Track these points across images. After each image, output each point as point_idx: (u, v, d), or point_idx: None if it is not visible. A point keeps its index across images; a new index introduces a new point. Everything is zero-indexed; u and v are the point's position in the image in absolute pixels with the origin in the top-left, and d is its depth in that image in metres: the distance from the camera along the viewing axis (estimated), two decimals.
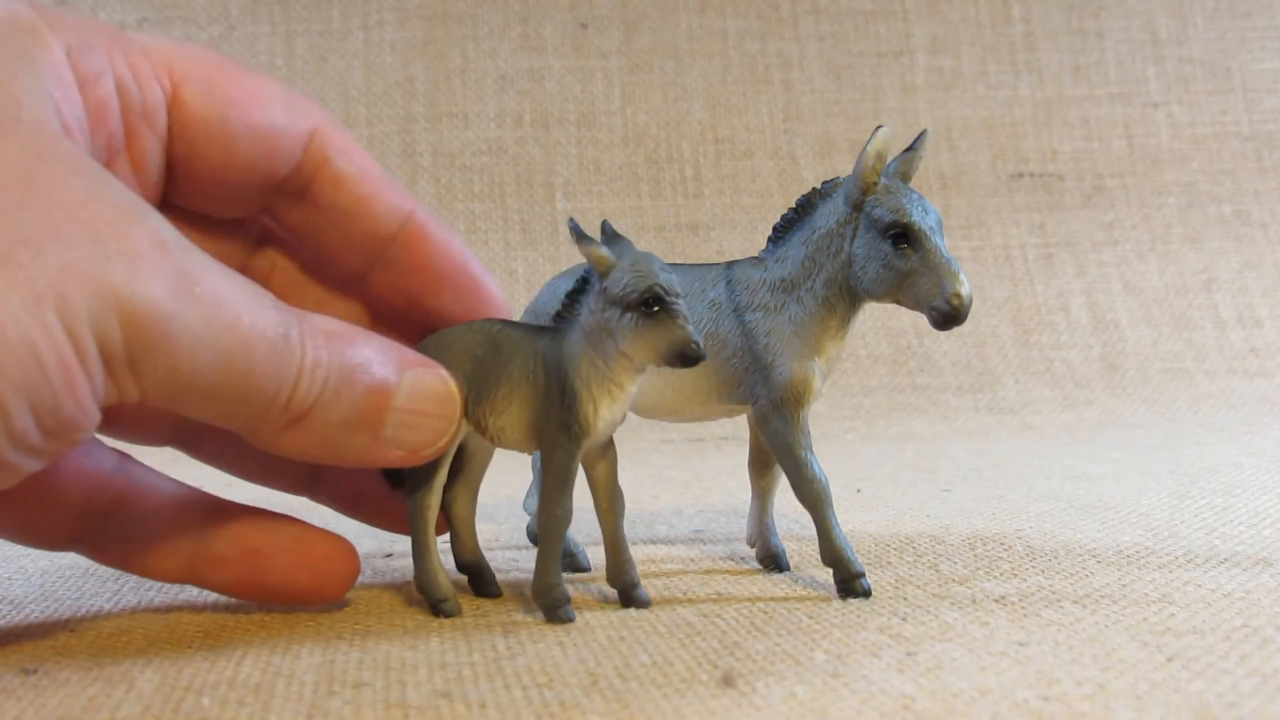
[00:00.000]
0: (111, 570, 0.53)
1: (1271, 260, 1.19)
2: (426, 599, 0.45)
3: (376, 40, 1.19)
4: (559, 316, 0.43)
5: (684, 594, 0.47)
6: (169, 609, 0.47)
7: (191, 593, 0.49)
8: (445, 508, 0.47)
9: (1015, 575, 0.48)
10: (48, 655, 0.40)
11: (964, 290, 0.43)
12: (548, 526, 0.43)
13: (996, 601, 0.44)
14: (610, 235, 0.43)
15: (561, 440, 0.42)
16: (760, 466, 0.51)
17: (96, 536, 0.44)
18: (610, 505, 0.44)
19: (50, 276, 0.32)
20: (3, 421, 0.32)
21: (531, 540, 0.55)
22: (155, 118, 0.41)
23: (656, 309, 0.40)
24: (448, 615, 0.44)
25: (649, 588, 0.48)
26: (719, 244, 1.14)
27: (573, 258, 1.11)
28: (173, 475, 0.47)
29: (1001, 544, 0.53)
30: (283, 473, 0.48)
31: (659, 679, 0.36)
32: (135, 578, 0.52)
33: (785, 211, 0.48)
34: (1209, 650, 0.37)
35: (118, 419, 0.45)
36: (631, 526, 0.62)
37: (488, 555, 0.49)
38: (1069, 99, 1.23)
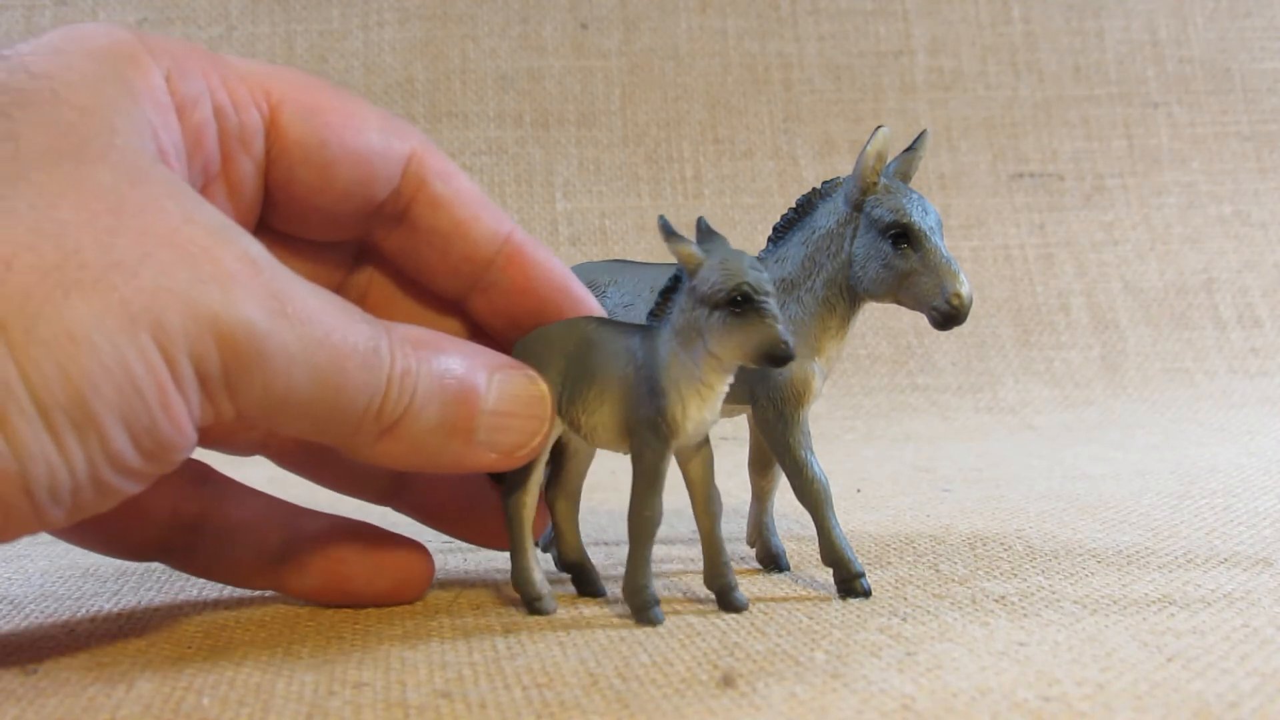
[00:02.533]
0: (112, 570, 0.53)
1: (1271, 260, 1.19)
2: (521, 597, 0.45)
3: (376, 40, 1.19)
4: (652, 315, 0.42)
5: (684, 594, 0.46)
6: (169, 609, 0.47)
7: (191, 593, 0.49)
8: (548, 507, 0.47)
9: (1015, 575, 0.48)
10: (48, 655, 0.40)
11: (964, 290, 0.43)
12: (638, 527, 0.42)
13: (996, 601, 0.44)
14: (705, 232, 0.42)
15: (650, 440, 0.41)
16: (760, 466, 0.51)
17: (182, 548, 0.45)
18: (706, 506, 0.44)
19: (144, 300, 0.32)
20: (100, 443, 0.33)
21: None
22: (253, 142, 0.41)
23: (745, 307, 0.39)
24: (542, 614, 0.44)
25: None
26: None
27: (572, 258, 1.11)
28: (258, 483, 0.47)
29: (1001, 544, 0.53)
30: (367, 484, 0.48)
31: (659, 679, 0.36)
32: (135, 579, 0.52)
33: (785, 211, 0.48)
34: (1209, 650, 0.37)
35: (209, 431, 0.46)
36: None
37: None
38: (1069, 99, 1.23)
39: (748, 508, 0.52)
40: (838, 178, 0.47)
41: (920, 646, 0.38)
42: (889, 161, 0.46)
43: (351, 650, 0.40)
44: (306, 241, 0.45)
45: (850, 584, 0.45)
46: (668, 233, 0.41)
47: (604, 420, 0.42)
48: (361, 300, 0.47)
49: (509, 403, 0.41)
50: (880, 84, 1.22)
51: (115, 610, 0.47)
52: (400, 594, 0.46)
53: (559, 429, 0.44)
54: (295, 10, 1.19)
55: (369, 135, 0.42)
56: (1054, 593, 0.45)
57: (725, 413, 0.49)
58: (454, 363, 0.40)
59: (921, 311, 0.44)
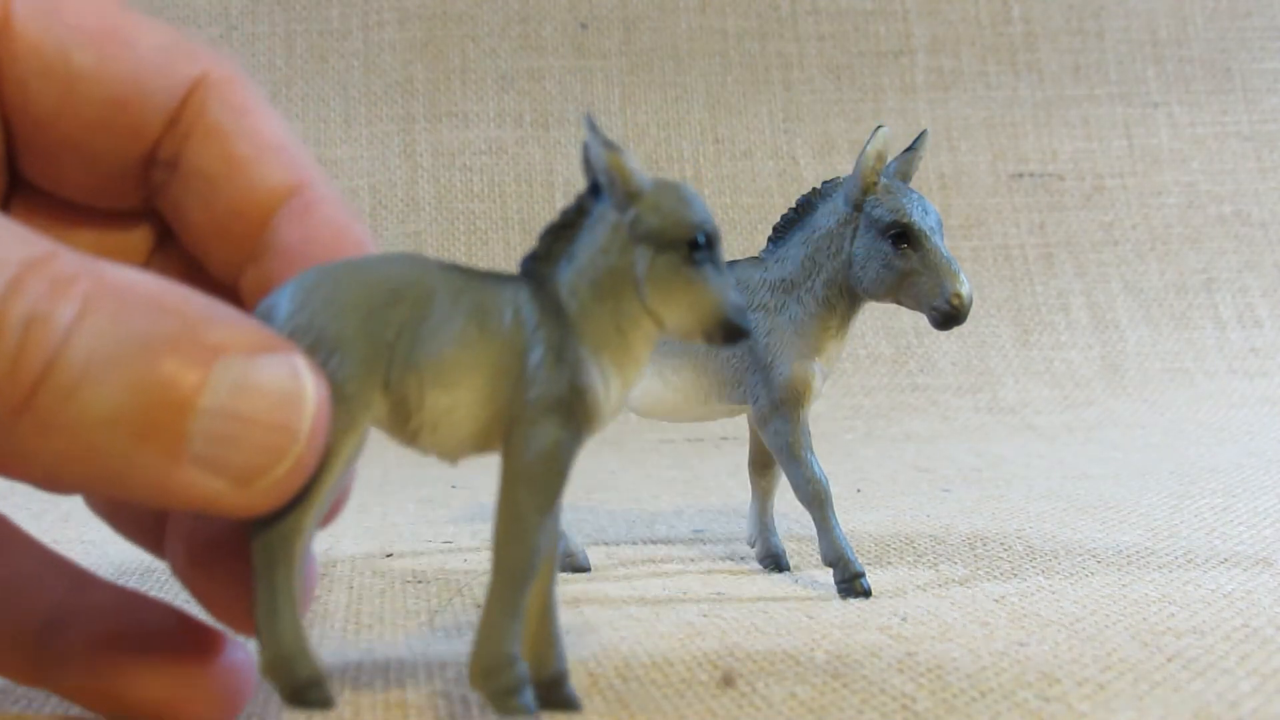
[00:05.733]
0: (111, 570, 0.53)
1: (1271, 260, 1.19)
2: (280, 681, 0.29)
3: (376, 40, 1.19)
4: (533, 259, 0.31)
5: (684, 594, 0.46)
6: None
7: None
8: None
9: (1015, 575, 0.48)
10: None
11: (964, 290, 0.43)
12: (510, 562, 0.29)
13: (996, 601, 0.44)
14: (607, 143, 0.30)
15: (551, 428, 0.29)
16: (760, 466, 0.51)
17: None
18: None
19: None
20: None
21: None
22: None
23: (704, 255, 0.29)
24: (318, 705, 0.29)
25: (649, 588, 0.48)
26: None
27: None
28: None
29: (1001, 544, 0.53)
30: (134, 519, 0.34)
31: (659, 679, 0.36)
32: (135, 579, 0.51)
33: (785, 211, 0.48)
34: (1209, 650, 0.37)
35: None
36: (631, 526, 0.62)
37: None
38: (1069, 99, 1.23)
39: (748, 508, 0.52)
40: (838, 178, 0.47)
41: (920, 646, 0.38)
42: (889, 161, 0.46)
43: (352, 650, 0.40)
44: (94, 211, 0.34)
45: (850, 584, 0.45)
46: (604, 141, 0.29)
47: (464, 401, 0.29)
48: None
49: (246, 400, 0.26)
50: (880, 84, 1.22)
51: None
52: (192, 714, 0.30)
53: (366, 426, 0.29)
54: (295, 10, 1.19)
55: (138, 48, 0.32)
56: (1054, 593, 0.45)
57: (725, 413, 0.49)
58: (162, 323, 0.26)
59: (921, 311, 0.44)
